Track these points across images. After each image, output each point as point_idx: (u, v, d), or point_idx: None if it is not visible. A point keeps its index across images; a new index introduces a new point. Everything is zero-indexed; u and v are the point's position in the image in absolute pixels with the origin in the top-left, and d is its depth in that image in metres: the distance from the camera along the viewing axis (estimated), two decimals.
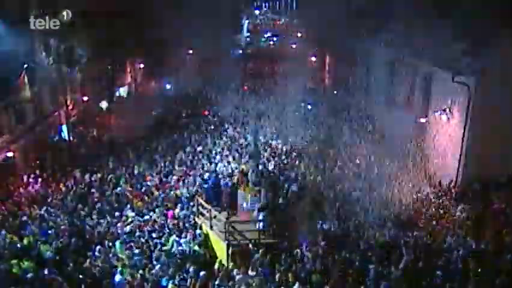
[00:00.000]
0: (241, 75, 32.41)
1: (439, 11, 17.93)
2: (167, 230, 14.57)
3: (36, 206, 15.67)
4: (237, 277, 12.17)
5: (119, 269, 12.19)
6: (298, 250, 13.22)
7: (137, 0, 27.40)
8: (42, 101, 22.46)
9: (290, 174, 18.66)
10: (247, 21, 41.98)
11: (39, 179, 17.90)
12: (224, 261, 13.45)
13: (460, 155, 17.30)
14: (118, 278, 11.92)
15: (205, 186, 16.29)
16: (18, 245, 13.14)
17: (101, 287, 11.80)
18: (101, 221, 14.89)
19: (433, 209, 16.03)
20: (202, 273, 12.18)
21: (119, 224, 14.72)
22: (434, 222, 15.16)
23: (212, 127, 25.62)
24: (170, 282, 11.97)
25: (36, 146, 20.74)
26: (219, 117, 26.96)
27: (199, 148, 21.97)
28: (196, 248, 13.79)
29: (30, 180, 17.89)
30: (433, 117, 19.03)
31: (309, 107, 26.80)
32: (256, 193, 15.52)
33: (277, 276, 12.20)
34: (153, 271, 12.42)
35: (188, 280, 12.05)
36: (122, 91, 32.47)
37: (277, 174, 18.75)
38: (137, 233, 14.32)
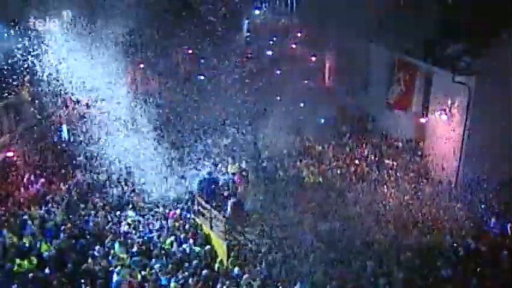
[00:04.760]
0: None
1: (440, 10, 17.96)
2: (167, 230, 14.57)
3: (36, 206, 15.68)
4: (238, 277, 12.17)
5: (117, 269, 12.19)
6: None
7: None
8: (42, 101, 22.41)
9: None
10: (247, 21, 41.77)
11: (40, 179, 17.91)
12: (224, 261, 13.45)
13: (460, 155, 17.30)
14: (115, 278, 11.92)
15: (204, 186, 16.26)
16: (19, 245, 13.15)
17: (101, 286, 11.81)
18: (102, 220, 14.89)
19: (433, 209, 16.02)
20: (202, 273, 12.18)
21: (119, 224, 14.72)
22: (433, 222, 15.14)
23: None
24: (171, 282, 11.96)
25: (36, 146, 20.74)
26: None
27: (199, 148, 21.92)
28: (197, 248, 13.79)
29: (31, 180, 17.89)
30: (433, 117, 19.03)
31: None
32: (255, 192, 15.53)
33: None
34: (153, 271, 12.42)
35: (189, 280, 12.05)
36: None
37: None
38: (137, 233, 14.32)
